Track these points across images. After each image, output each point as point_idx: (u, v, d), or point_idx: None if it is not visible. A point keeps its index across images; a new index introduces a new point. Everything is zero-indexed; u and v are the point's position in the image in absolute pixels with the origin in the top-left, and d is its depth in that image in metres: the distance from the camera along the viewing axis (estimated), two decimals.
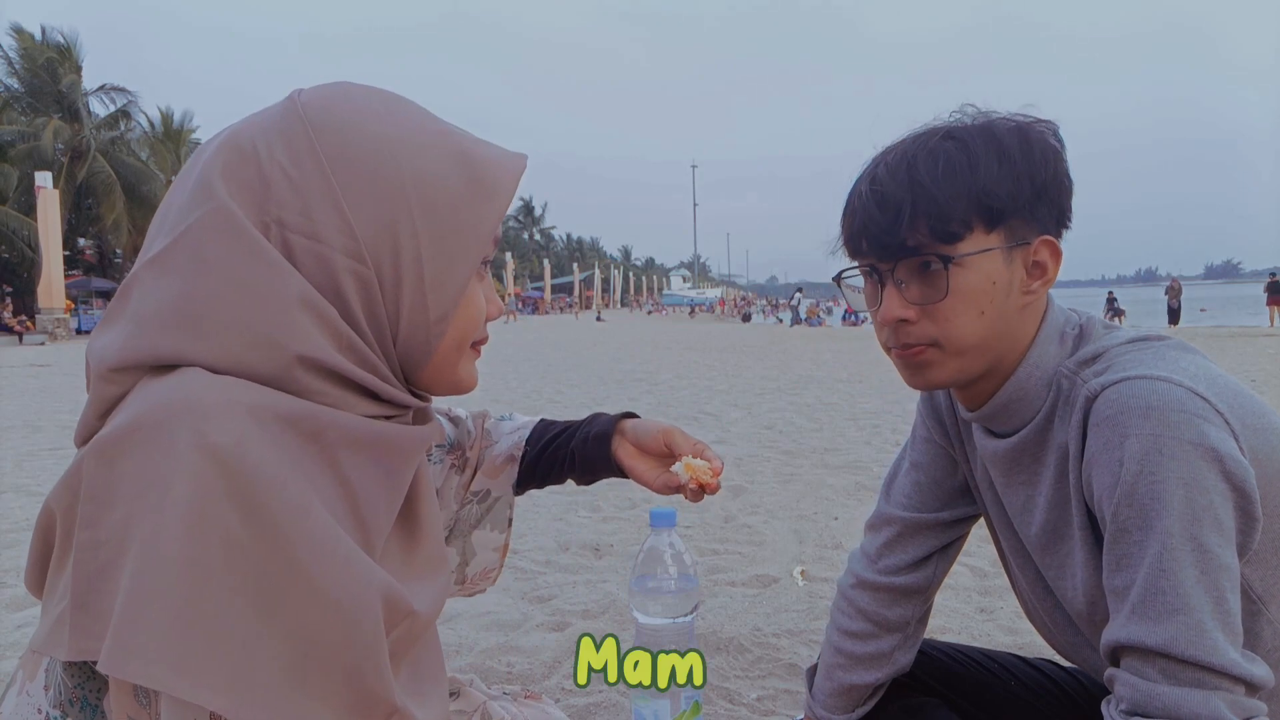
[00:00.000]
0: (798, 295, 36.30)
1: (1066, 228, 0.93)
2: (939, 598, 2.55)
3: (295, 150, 0.62)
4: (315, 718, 0.54)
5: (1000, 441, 0.98)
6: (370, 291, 0.63)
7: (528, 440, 1.09)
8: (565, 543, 3.17)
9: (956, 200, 0.87)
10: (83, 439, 0.60)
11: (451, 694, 1.00)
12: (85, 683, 0.59)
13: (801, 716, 1.30)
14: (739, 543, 3.18)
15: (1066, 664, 1.24)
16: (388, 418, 0.68)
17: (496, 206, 0.68)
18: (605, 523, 3.49)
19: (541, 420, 1.14)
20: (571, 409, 7.34)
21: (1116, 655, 0.82)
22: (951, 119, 0.94)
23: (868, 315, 0.98)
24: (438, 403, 1.02)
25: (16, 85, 34.05)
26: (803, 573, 2.80)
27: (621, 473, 1.04)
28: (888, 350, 0.96)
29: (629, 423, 1.05)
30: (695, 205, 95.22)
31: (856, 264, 0.96)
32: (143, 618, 0.50)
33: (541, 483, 1.10)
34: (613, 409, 6.68)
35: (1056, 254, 0.91)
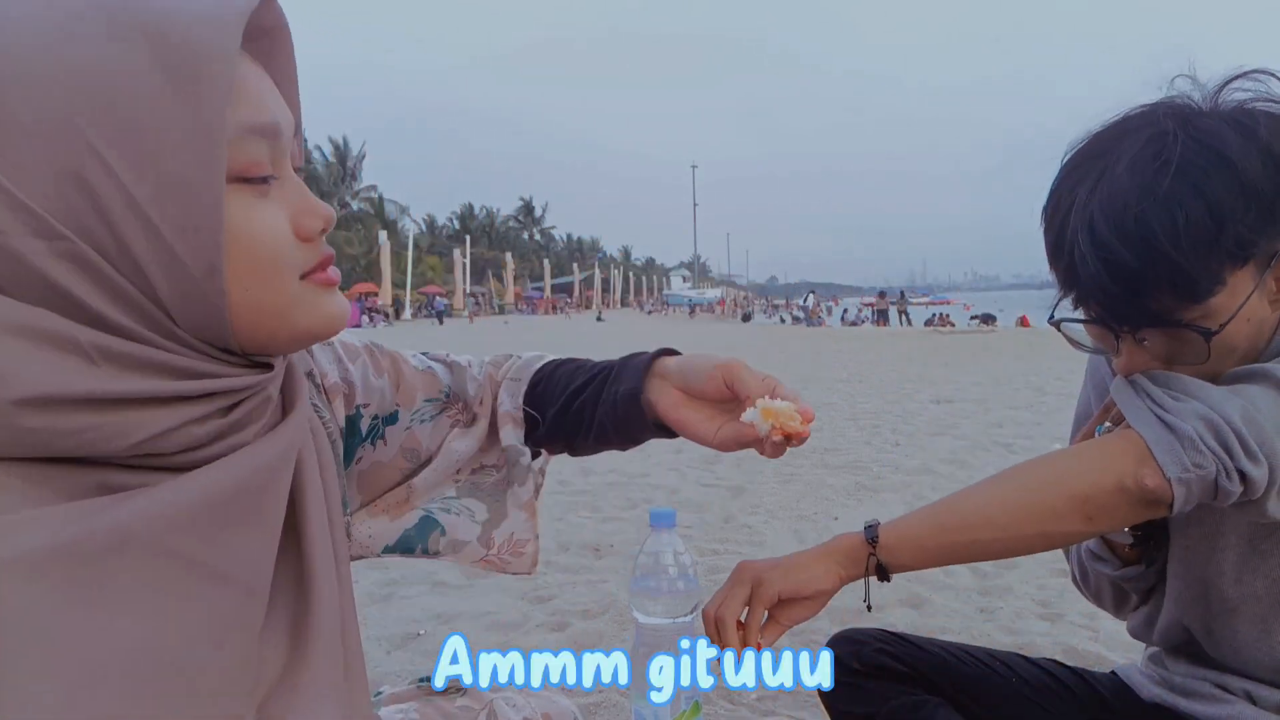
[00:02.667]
0: (810, 296, 36.31)
1: None
2: (939, 597, 2.55)
3: None
4: None
5: None
6: (95, 268, 0.46)
7: (531, 399, 0.88)
8: (565, 543, 3.17)
9: (1207, 261, 0.75)
10: None
11: (459, 691, 1.00)
12: None
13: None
14: (739, 543, 3.18)
15: (1071, 663, 1.24)
16: (227, 410, 0.53)
17: (217, 85, 0.47)
18: (605, 523, 3.48)
19: (549, 364, 0.90)
20: None
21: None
22: (1161, 107, 0.80)
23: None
24: (443, 347, 0.91)
25: None
26: None
27: (668, 430, 0.81)
28: None
29: (669, 362, 0.81)
30: (695, 205, 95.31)
31: (1080, 314, 0.85)
32: None
33: (572, 451, 0.90)
34: None
35: None
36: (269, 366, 0.56)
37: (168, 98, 0.46)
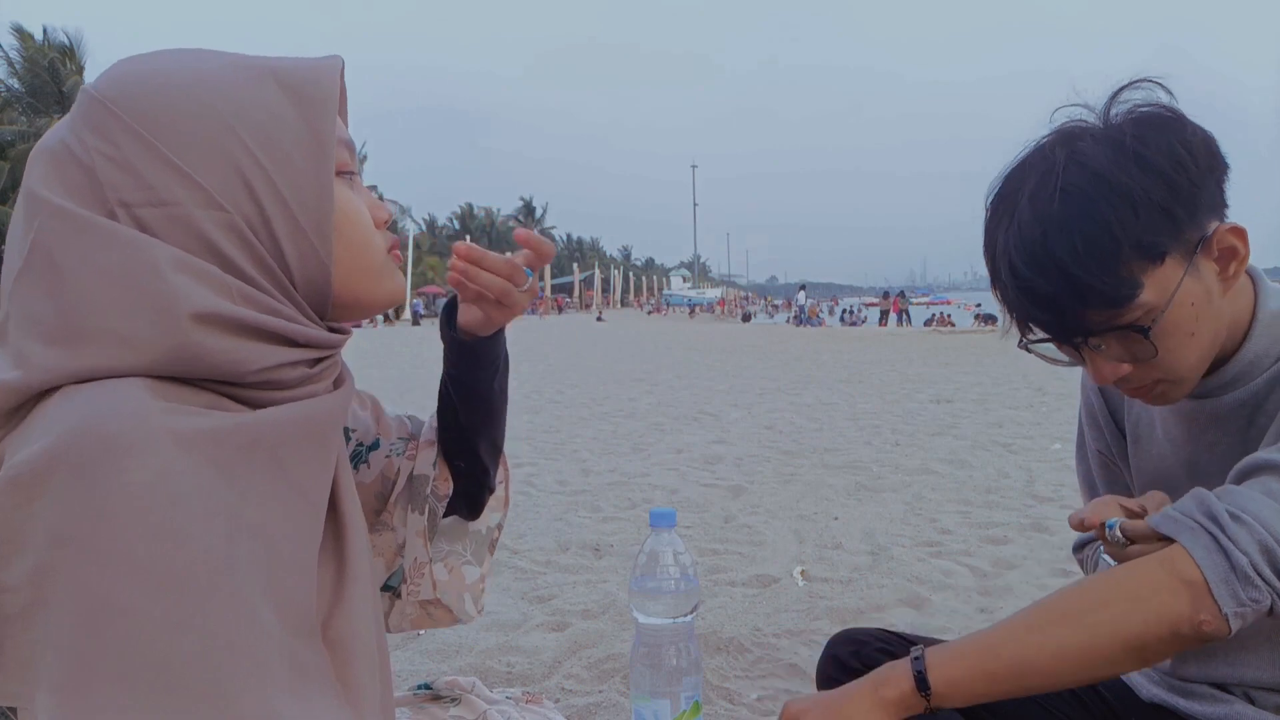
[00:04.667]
0: (800, 293, 36.39)
1: (1224, 187, 0.86)
2: (938, 597, 2.56)
3: (105, 131, 0.60)
4: None
5: (1219, 400, 0.95)
6: (244, 235, 0.61)
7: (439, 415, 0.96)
8: (565, 543, 3.17)
9: (1114, 271, 0.80)
10: None
11: (452, 700, 1.00)
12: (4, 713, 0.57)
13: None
14: (739, 543, 3.18)
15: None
16: (313, 363, 0.66)
17: (327, 110, 0.66)
18: (605, 523, 3.49)
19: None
20: (572, 408, 7.35)
21: (1249, 476, 0.82)
22: (1048, 145, 0.86)
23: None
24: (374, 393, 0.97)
25: (18, 86, 34.08)
26: (803, 573, 2.80)
27: (479, 344, 0.88)
28: None
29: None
30: (695, 205, 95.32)
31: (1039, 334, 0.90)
32: (83, 678, 0.49)
33: (470, 429, 0.93)
34: (613, 409, 6.67)
35: (1239, 232, 0.85)
36: (344, 336, 0.70)
37: (294, 118, 0.64)
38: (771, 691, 1.95)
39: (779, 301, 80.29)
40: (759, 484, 4.20)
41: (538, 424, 6.42)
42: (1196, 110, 0.86)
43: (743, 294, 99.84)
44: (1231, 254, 0.86)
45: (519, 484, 4.28)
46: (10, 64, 33.84)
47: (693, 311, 54.11)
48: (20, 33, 33.84)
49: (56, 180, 0.59)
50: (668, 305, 65.13)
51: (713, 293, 72.99)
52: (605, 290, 72.56)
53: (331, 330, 0.68)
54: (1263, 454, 0.82)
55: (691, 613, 1.13)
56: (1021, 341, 0.93)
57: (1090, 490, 1.21)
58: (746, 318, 48.26)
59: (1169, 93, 0.85)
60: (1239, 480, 0.83)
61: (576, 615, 2.44)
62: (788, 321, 39.98)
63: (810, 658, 2.03)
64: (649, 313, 60.89)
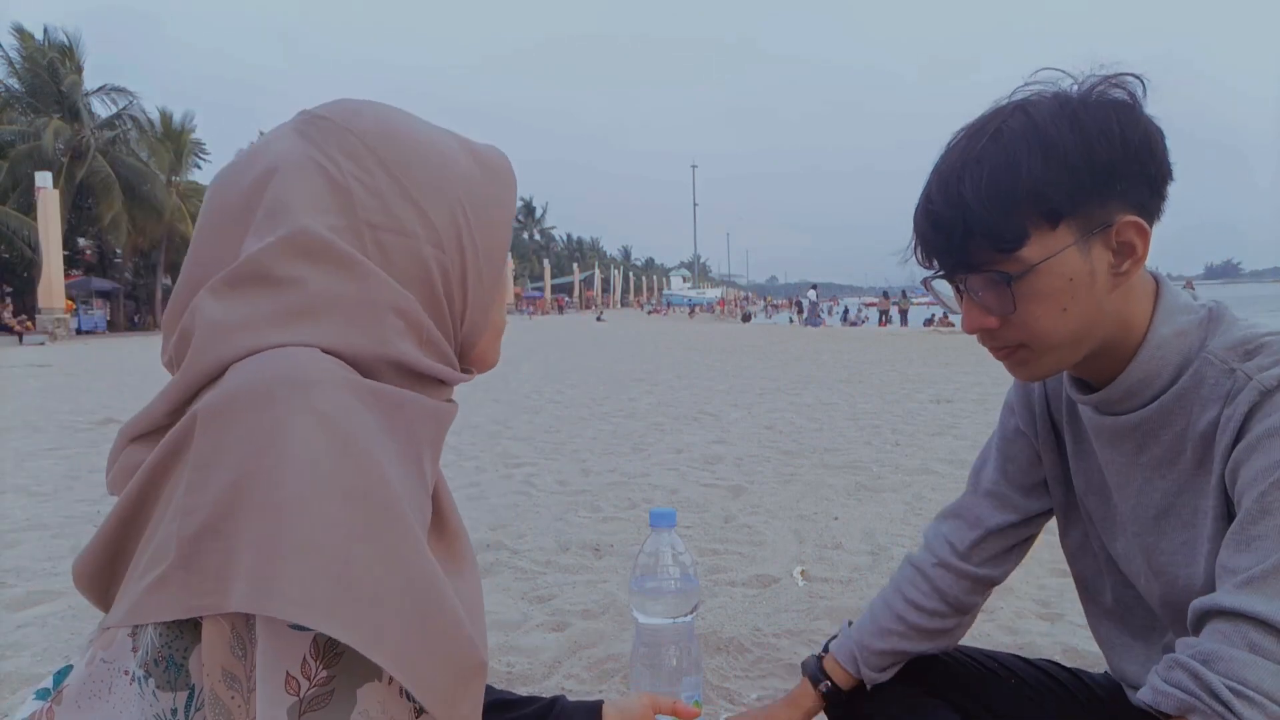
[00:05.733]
0: (812, 292, 35.79)
1: (1161, 196, 0.87)
2: None
3: (359, 159, 0.67)
4: (428, 665, 0.56)
5: (1117, 419, 0.96)
6: (449, 277, 0.69)
7: None
8: (565, 543, 3.17)
9: (1007, 212, 0.83)
10: (172, 408, 0.62)
11: None
12: (174, 641, 0.60)
13: (817, 655, 1.28)
14: (739, 543, 3.18)
15: (1069, 664, 1.24)
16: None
17: (512, 195, 0.75)
18: (605, 523, 3.49)
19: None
20: (573, 408, 7.35)
21: (1206, 622, 0.81)
22: (1015, 98, 0.88)
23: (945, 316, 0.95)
24: None
25: (17, 85, 34.07)
26: (803, 573, 2.80)
27: None
28: None
29: (611, 704, 0.97)
30: (695, 205, 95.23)
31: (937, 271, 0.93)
32: (275, 561, 0.52)
33: None
34: (613, 409, 6.64)
35: (1143, 231, 0.85)
36: (469, 377, 0.78)
37: (494, 190, 0.73)
38: (771, 691, 1.95)
39: (779, 301, 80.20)
40: (759, 484, 4.20)
41: (538, 424, 6.42)
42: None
43: (743, 294, 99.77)
44: (1129, 250, 0.86)
45: (519, 484, 4.28)
46: (10, 64, 33.83)
47: (692, 311, 54.12)
48: (20, 33, 33.83)
49: (307, 194, 0.65)
50: (669, 305, 65.10)
51: (713, 292, 73.00)
52: (605, 290, 72.54)
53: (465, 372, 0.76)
54: (1217, 599, 0.80)
55: (691, 613, 1.13)
56: (925, 279, 0.95)
57: (976, 475, 1.22)
58: (746, 318, 48.27)
59: (1144, 89, 0.86)
60: (1196, 621, 0.82)
61: (576, 615, 2.43)
62: (790, 322, 39.83)
63: None
64: (649, 312, 60.88)
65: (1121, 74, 0.86)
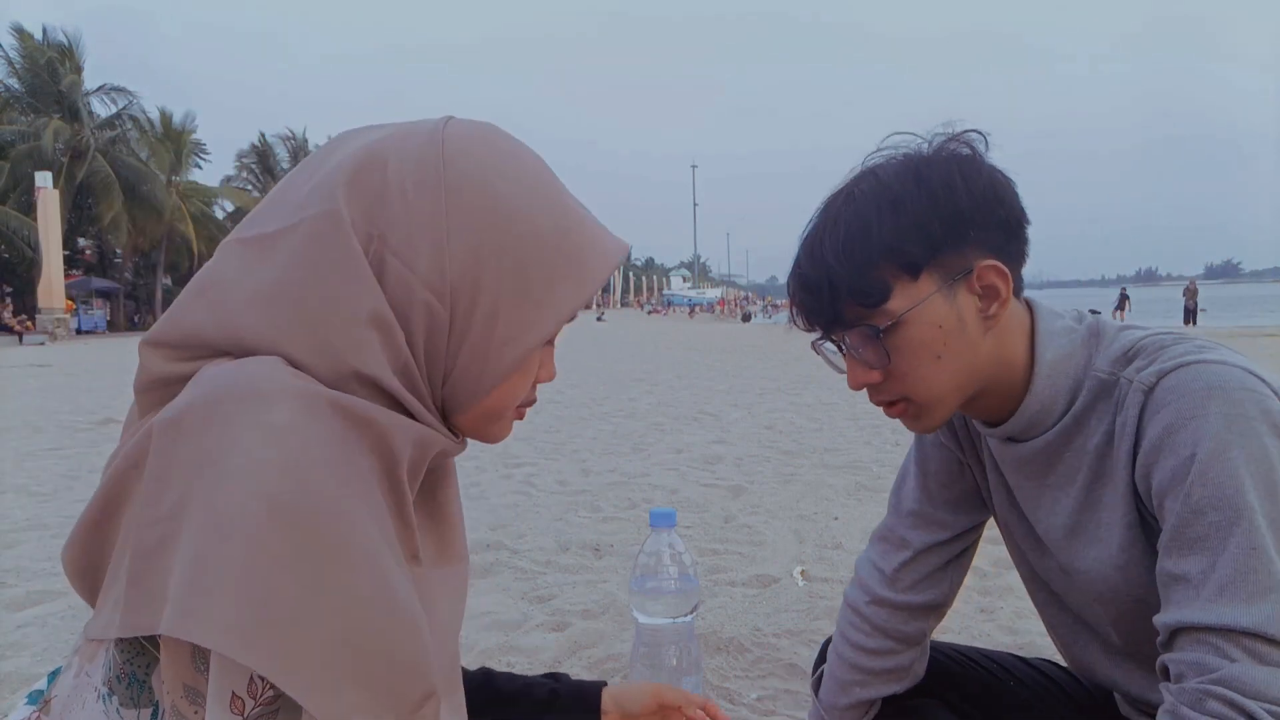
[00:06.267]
0: None
1: (1019, 240, 0.90)
2: None
3: (422, 175, 0.64)
4: (353, 697, 0.55)
5: (1021, 446, 0.97)
6: (437, 327, 0.64)
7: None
8: (565, 543, 3.17)
9: (866, 268, 0.86)
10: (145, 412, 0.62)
11: None
12: (134, 659, 0.60)
13: None
14: (739, 543, 3.18)
15: (1066, 664, 1.24)
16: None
17: (585, 291, 0.69)
18: (605, 523, 3.49)
19: (477, 674, 1.02)
20: (573, 408, 7.35)
21: (1186, 638, 0.80)
22: (867, 163, 0.92)
23: None
24: None
25: (17, 85, 34.08)
26: (803, 573, 2.80)
27: None
28: None
29: (610, 695, 0.98)
30: (695, 205, 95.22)
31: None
32: (200, 583, 0.52)
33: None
34: (613, 409, 6.63)
35: (1003, 274, 0.88)
36: (461, 446, 0.74)
37: (560, 276, 0.67)
38: (771, 691, 1.95)
39: (779, 301, 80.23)
40: (759, 484, 4.20)
41: (538, 424, 6.42)
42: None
43: (743, 294, 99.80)
44: (993, 293, 0.89)
45: (519, 484, 4.28)
46: (10, 64, 33.84)
47: (692, 311, 54.13)
48: (20, 33, 33.85)
49: (356, 184, 0.63)
50: (669, 305, 65.09)
51: (713, 293, 73.02)
52: (605, 290, 72.58)
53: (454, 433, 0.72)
54: (1192, 615, 0.79)
55: (691, 613, 1.13)
56: (813, 344, 0.99)
57: (897, 495, 1.21)
58: (746, 318, 48.28)
59: (986, 143, 0.90)
60: (1169, 637, 0.81)
61: (576, 615, 2.43)
62: (790, 321, 39.83)
63: (810, 658, 2.03)
64: (649, 312, 60.88)
65: (965, 130, 0.91)
